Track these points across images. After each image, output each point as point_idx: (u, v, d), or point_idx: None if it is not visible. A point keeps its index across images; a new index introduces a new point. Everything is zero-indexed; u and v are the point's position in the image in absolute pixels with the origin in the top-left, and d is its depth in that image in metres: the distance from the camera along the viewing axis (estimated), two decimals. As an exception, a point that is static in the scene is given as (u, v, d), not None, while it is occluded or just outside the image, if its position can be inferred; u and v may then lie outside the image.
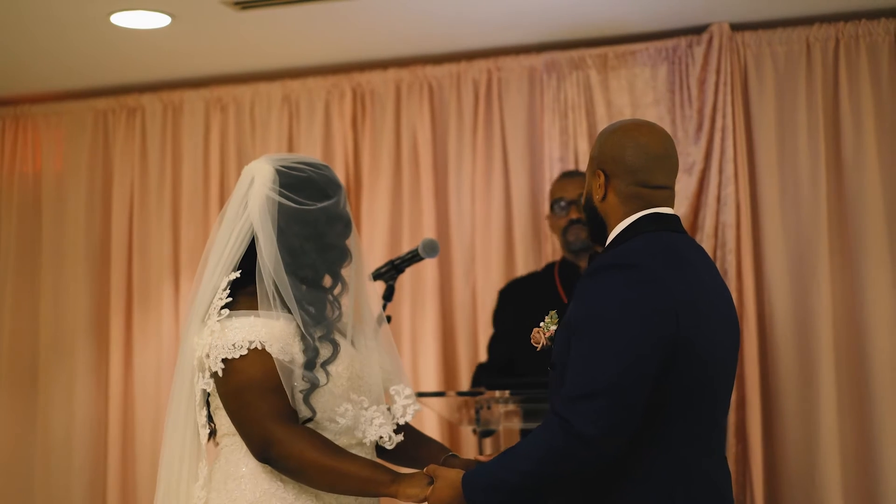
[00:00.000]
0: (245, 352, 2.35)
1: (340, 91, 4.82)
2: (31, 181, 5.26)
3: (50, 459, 5.09)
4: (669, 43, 4.42)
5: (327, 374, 2.40)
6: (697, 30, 4.39)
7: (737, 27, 4.35)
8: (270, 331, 2.37)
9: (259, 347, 2.36)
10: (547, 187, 4.45)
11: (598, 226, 2.38)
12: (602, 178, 2.33)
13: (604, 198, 2.34)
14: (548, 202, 4.25)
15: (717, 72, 4.31)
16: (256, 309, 2.40)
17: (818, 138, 4.26)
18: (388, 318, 2.92)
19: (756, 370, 4.19)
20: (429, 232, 4.61)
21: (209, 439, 2.48)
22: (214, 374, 2.39)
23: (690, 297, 2.22)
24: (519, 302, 4.07)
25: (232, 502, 2.39)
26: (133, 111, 5.10)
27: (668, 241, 2.28)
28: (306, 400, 2.39)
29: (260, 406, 2.36)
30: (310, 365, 2.39)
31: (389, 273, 3.37)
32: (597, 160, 2.36)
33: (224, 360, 2.37)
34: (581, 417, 2.12)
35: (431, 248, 3.30)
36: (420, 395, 3.30)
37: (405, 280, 4.56)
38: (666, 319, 2.17)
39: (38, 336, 5.16)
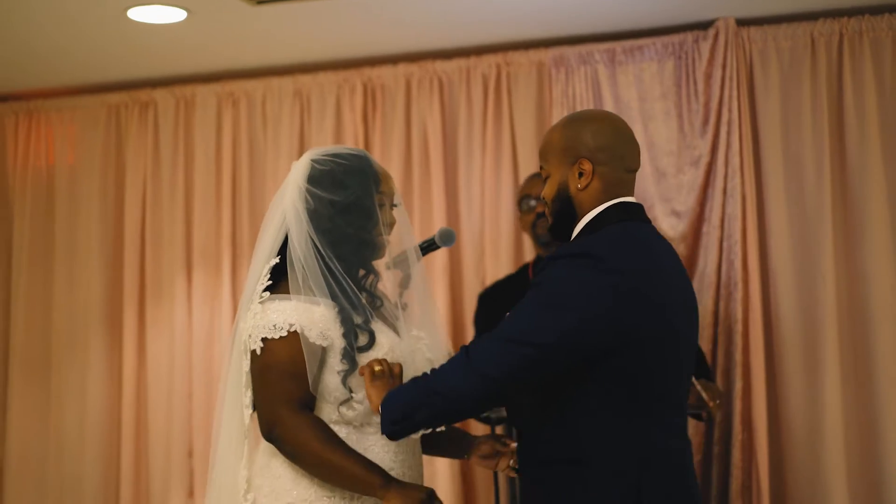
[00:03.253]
0: (284, 333, 2.44)
1: (351, 85, 4.88)
2: (45, 175, 5.32)
3: (63, 450, 5.16)
4: (676, 38, 4.48)
5: (353, 361, 2.48)
6: (704, 25, 4.45)
7: (742, 22, 4.41)
8: (310, 315, 2.45)
9: (297, 331, 2.44)
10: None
11: (567, 218, 2.44)
12: (589, 166, 2.38)
13: (586, 186, 2.40)
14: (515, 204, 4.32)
15: (723, 66, 4.37)
16: (296, 294, 2.48)
17: (822, 131, 4.32)
18: (405, 306, 3.01)
19: (761, 360, 4.24)
20: (439, 223, 4.68)
21: None
22: (252, 353, 2.48)
23: (646, 284, 2.29)
24: (494, 305, 4.14)
25: (275, 479, 2.47)
26: (146, 105, 5.16)
27: (632, 230, 2.37)
28: (344, 381, 2.47)
29: (277, 388, 2.45)
30: (348, 347, 2.47)
31: (405, 262, 3.43)
32: (574, 151, 2.40)
33: (263, 340, 2.46)
34: (484, 354, 2.26)
35: (448, 237, 3.35)
36: None
37: (414, 272, 4.62)
38: (618, 304, 2.24)
39: (51, 327, 5.23)
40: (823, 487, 4.22)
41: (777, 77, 4.39)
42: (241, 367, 2.54)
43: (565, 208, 2.43)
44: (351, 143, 4.86)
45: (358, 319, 2.51)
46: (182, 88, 5.10)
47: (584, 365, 2.28)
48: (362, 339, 2.51)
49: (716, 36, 4.39)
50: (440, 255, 4.63)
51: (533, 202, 4.04)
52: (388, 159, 4.81)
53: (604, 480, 2.29)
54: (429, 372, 2.38)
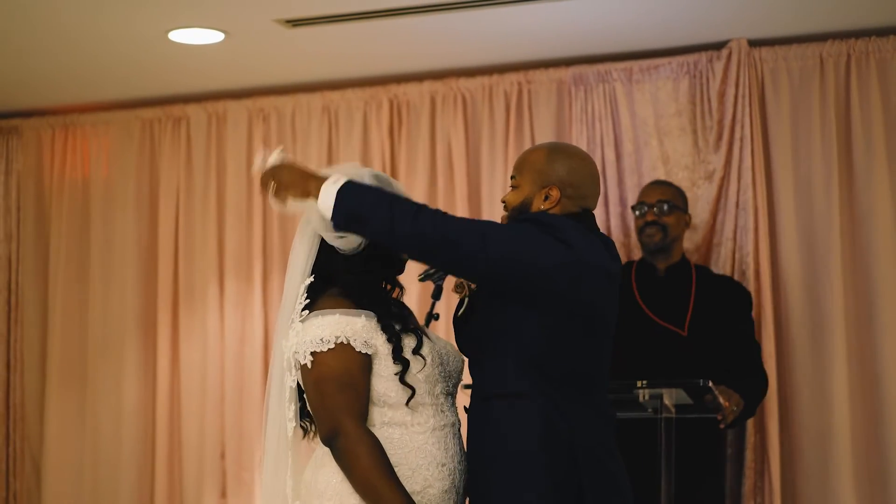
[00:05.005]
0: (332, 345, 2.55)
1: (378, 102, 5.05)
2: (81, 187, 5.49)
3: (99, 453, 5.32)
4: (691, 58, 4.65)
5: (424, 359, 2.61)
6: (717, 46, 4.61)
7: (754, 43, 4.57)
8: (353, 327, 2.57)
9: (344, 342, 2.56)
10: (575, 193, 4.71)
11: None
12: (557, 194, 2.67)
13: (548, 210, 2.67)
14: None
15: (736, 85, 4.54)
16: (337, 308, 2.60)
17: (831, 148, 4.48)
18: (437, 316, 3.19)
19: (773, 365, 4.39)
20: (462, 236, 4.84)
21: (304, 435, 2.71)
22: (303, 367, 2.59)
23: (596, 263, 2.58)
24: None
25: (340, 482, 2.57)
26: (178, 121, 5.34)
27: (582, 228, 2.65)
28: (402, 381, 2.59)
29: (337, 398, 2.55)
30: (397, 350, 2.59)
31: (438, 274, 3.61)
32: (548, 177, 2.69)
33: (312, 353, 2.57)
34: (499, 232, 2.51)
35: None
36: None
37: (438, 283, 4.80)
38: (569, 269, 2.52)
39: (87, 335, 5.40)
40: (833, 488, 4.38)
41: (787, 95, 4.56)
42: (283, 383, 2.65)
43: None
44: (377, 157, 5.04)
45: (399, 325, 2.64)
46: (214, 104, 5.28)
47: (541, 296, 2.54)
48: (409, 342, 2.64)
49: (729, 56, 4.56)
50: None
51: (645, 208, 4.24)
52: (413, 174, 4.99)
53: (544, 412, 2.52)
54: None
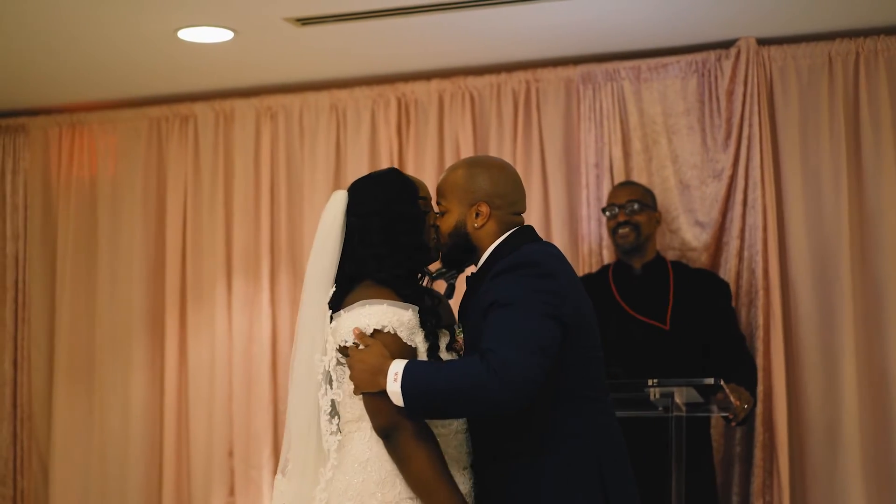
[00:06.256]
0: (381, 331, 2.57)
1: (385, 100, 5.06)
2: (88, 185, 5.50)
3: (107, 451, 5.33)
4: (699, 56, 4.66)
5: (459, 353, 2.65)
6: (726, 44, 4.63)
7: (763, 42, 4.58)
8: (400, 318, 2.60)
9: (391, 332, 2.59)
10: (583, 192, 4.74)
11: (461, 250, 2.77)
12: (486, 209, 2.71)
13: (482, 226, 2.73)
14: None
15: (745, 83, 4.55)
16: (384, 298, 2.61)
17: (839, 146, 4.49)
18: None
19: (782, 363, 4.42)
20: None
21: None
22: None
23: (573, 286, 2.63)
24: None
25: (361, 483, 2.57)
26: (186, 119, 5.35)
27: (545, 247, 2.72)
28: None
29: None
30: (433, 349, 2.62)
31: (451, 273, 3.63)
32: (473, 194, 2.73)
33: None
34: (510, 361, 2.44)
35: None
36: None
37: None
38: (561, 301, 2.54)
39: (94, 333, 5.41)
40: (842, 485, 4.40)
41: (796, 94, 4.57)
42: (315, 394, 2.65)
43: (462, 242, 2.75)
44: (385, 156, 5.04)
45: (435, 320, 2.67)
46: (221, 103, 5.28)
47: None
48: (443, 339, 2.67)
49: (738, 55, 4.57)
50: (470, 268, 4.80)
51: (616, 210, 4.31)
52: (421, 172, 4.99)
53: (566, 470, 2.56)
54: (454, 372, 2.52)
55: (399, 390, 2.50)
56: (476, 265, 2.79)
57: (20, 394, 5.50)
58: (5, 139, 5.60)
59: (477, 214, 2.73)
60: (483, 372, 2.44)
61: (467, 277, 2.82)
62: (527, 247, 2.68)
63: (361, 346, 2.58)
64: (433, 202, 2.83)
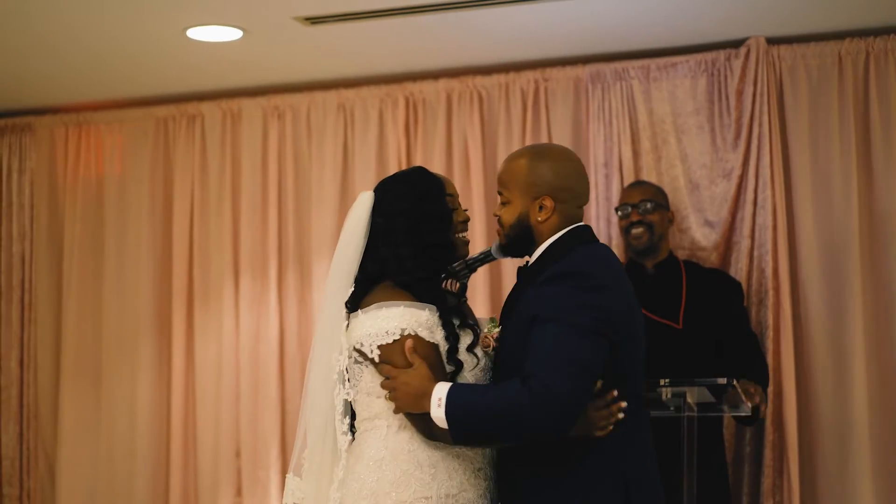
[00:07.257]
0: (398, 336, 2.57)
1: (394, 100, 5.05)
2: (94, 185, 5.49)
3: (114, 451, 5.32)
4: (709, 55, 4.65)
5: (477, 356, 2.64)
6: (735, 43, 4.62)
7: (773, 41, 4.58)
8: (418, 319, 2.59)
9: (412, 333, 2.58)
10: (592, 192, 4.72)
11: (524, 242, 2.71)
12: (551, 203, 2.65)
13: (546, 220, 2.66)
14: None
15: (755, 83, 4.54)
16: (401, 301, 2.61)
17: (849, 146, 4.49)
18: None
19: (791, 363, 4.41)
20: (479, 234, 4.86)
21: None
22: (371, 361, 2.61)
23: (623, 297, 2.59)
24: None
25: (375, 482, 2.58)
26: (193, 118, 5.34)
27: (598, 252, 2.65)
28: (453, 381, 2.60)
29: None
30: (453, 350, 2.61)
31: (463, 272, 3.62)
32: (538, 187, 2.66)
33: (380, 347, 2.59)
34: (553, 386, 2.41)
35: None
36: None
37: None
38: (608, 316, 2.51)
39: (101, 333, 5.40)
40: (852, 485, 4.39)
41: (806, 93, 4.56)
42: (329, 390, 2.66)
43: (524, 234, 2.69)
44: (393, 155, 5.03)
45: (458, 321, 2.66)
46: (229, 102, 5.27)
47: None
48: (465, 339, 2.65)
49: (747, 54, 4.57)
50: (481, 267, 4.79)
51: (629, 209, 4.29)
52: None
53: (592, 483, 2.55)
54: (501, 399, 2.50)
55: (444, 416, 2.49)
56: (530, 257, 2.73)
57: (26, 394, 5.49)
58: (12, 139, 5.59)
59: (541, 208, 2.66)
60: (524, 397, 2.41)
61: (519, 268, 2.77)
62: (580, 250, 2.62)
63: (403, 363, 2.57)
64: (496, 191, 2.79)
